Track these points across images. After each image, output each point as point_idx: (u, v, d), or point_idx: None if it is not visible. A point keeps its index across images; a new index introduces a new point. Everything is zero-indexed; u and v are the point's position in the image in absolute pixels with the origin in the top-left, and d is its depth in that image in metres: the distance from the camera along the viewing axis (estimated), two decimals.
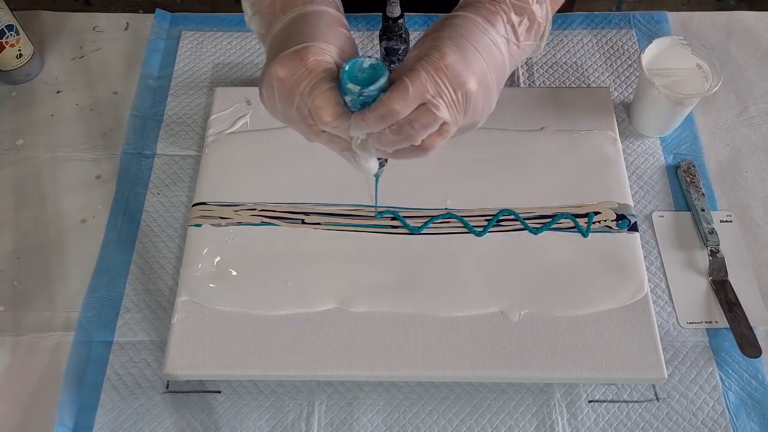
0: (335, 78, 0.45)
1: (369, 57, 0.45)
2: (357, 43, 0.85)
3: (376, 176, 0.60)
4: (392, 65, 0.78)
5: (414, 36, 0.86)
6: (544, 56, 0.85)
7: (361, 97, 0.44)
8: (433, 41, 0.46)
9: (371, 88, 0.44)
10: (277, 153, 0.73)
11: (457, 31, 0.46)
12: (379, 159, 0.52)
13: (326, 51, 0.46)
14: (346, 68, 0.45)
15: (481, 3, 0.48)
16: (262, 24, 0.52)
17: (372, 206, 0.69)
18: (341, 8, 0.52)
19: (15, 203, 0.75)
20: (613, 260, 0.66)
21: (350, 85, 0.44)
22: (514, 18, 0.48)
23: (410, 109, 0.43)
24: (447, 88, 0.44)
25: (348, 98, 0.45)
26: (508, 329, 0.63)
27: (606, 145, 0.73)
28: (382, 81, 0.44)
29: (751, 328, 0.65)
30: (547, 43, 0.76)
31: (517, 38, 0.49)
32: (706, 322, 0.67)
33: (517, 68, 0.84)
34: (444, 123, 0.45)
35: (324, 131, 0.47)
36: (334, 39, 0.47)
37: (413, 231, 0.68)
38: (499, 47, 0.47)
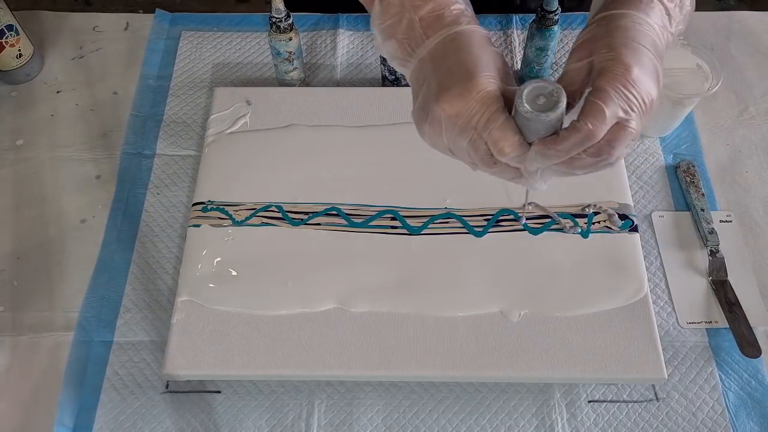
0: (505, 107, 0.43)
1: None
2: (357, 43, 0.87)
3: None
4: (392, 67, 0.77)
5: None
6: None
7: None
8: (607, 51, 0.44)
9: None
10: (277, 153, 0.73)
11: (626, 34, 0.44)
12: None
13: (491, 78, 0.43)
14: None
15: None
16: (399, 49, 0.48)
17: (373, 206, 0.69)
18: (473, 12, 0.49)
19: (15, 203, 0.75)
20: (613, 260, 0.66)
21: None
22: (668, 3, 0.47)
23: (606, 129, 0.42)
24: (636, 101, 0.42)
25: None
26: (508, 329, 0.63)
27: None
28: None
29: (750, 328, 0.65)
30: None
31: (671, 24, 0.47)
32: (705, 322, 0.67)
33: (517, 68, 0.84)
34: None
35: (496, 163, 0.45)
36: (491, 62, 0.44)
37: (413, 231, 0.68)
38: (661, 39, 0.46)
